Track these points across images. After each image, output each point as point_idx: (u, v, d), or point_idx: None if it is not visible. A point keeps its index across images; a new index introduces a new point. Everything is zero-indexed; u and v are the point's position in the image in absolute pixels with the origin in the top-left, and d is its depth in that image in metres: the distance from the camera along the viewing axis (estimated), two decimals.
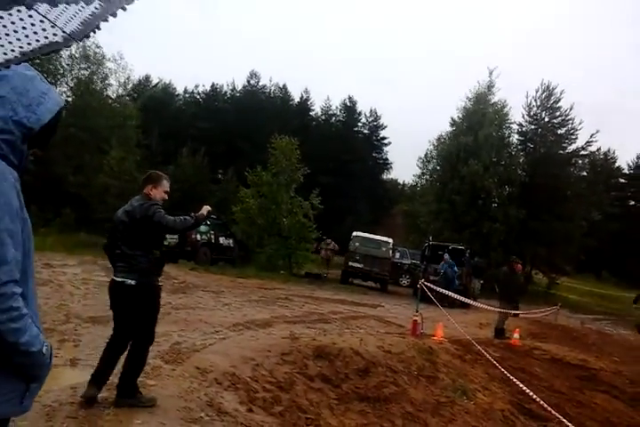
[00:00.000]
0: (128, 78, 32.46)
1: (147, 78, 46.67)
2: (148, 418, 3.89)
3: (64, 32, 0.96)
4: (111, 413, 3.86)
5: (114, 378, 4.24)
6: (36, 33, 0.94)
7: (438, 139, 36.25)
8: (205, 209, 4.14)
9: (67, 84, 29.05)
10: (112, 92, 31.44)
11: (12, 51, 0.94)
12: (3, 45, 0.93)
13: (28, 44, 0.95)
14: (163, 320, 7.00)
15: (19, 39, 0.93)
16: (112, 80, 30.65)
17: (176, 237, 17.19)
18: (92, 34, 1.00)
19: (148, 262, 4.02)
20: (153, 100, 40.55)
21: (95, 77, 29.18)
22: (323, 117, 49.67)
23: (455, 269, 18.14)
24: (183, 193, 27.54)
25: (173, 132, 38.91)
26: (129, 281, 3.98)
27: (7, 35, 0.92)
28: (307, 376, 5.83)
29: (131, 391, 4.06)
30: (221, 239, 19.84)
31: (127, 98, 33.68)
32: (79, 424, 3.56)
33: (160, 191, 4.21)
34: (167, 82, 47.00)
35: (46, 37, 0.96)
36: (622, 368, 10.16)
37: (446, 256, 18.73)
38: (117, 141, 25.78)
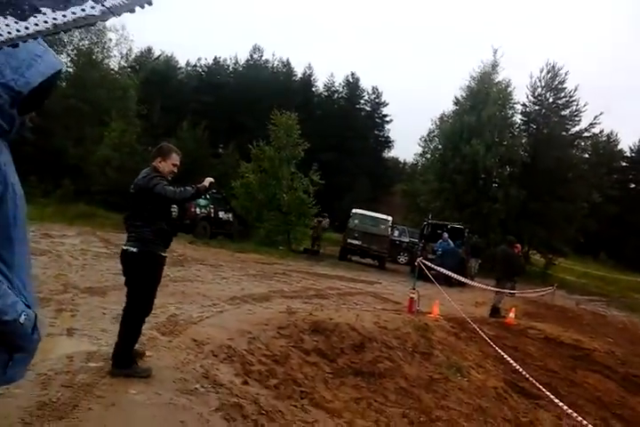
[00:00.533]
0: (130, 50, 32.15)
1: (149, 50, 46.12)
2: (143, 388, 3.92)
3: (103, 5, 0.90)
4: (106, 382, 3.87)
5: (109, 348, 4.26)
6: (71, 3, 0.87)
7: (441, 117, 36.05)
8: (208, 180, 4.13)
9: (67, 54, 28.69)
10: (114, 63, 31.08)
11: (45, 22, 0.87)
12: (36, 16, 0.86)
13: (63, 15, 0.88)
14: (160, 292, 6.95)
15: (53, 10, 0.87)
16: (114, 51, 30.28)
17: (176, 209, 17.18)
18: (136, 9, 0.93)
19: (151, 233, 4.08)
20: (155, 73, 40.14)
21: (96, 48, 28.80)
22: (325, 94, 49.26)
23: (456, 248, 18.18)
24: (184, 167, 27.37)
25: (175, 105, 38.59)
26: (132, 249, 4.10)
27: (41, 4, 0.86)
28: (302, 350, 5.87)
29: (126, 361, 4.08)
30: (221, 213, 19.82)
31: (129, 70, 33.32)
32: (74, 393, 3.57)
33: (168, 164, 4.22)
34: (169, 54, 46.47)
35: (83, 10, 0.89)
36: (615, 349, 10.24)
37: (445, 235, 18.76)
38: (118, 113, 25.54)
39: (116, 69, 31.65)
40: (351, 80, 48.50)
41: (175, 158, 4.27)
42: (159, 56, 46.03)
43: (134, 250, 4.08)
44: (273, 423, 4.09)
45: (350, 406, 5.14)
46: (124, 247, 4.18)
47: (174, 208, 16.89)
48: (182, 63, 47.55)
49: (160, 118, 34.83)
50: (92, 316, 5.64)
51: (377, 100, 49.48)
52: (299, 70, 48.46)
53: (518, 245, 14.51)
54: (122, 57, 31.43)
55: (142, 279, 4.14)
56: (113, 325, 5.01)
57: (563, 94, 32.49)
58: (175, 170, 4.28)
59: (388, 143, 50.32)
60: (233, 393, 4.30)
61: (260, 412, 4.15)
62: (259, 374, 4.98)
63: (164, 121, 35.10)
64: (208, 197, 19.35)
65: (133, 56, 36.72)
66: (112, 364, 4.08)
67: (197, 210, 18.39)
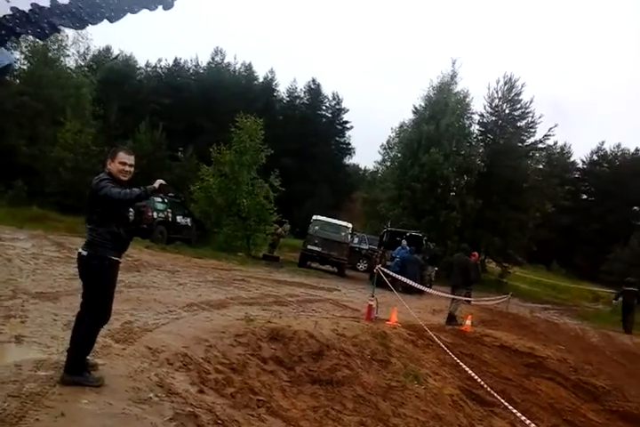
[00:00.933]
0: (87, 49, 31.41)
1: (107, 50, 45.36)
2: (94, 398, 3.79)
3: None
4: (56, 392, 3.73)
5: (60, 356, 4.11)
6: None
7: (400, 126, 36.49)
8: (158, 182, 4.09)
9: (21, 51, 27.87)
10: (70, 62, 30.36)
11: None
12: None
13: None
14: (114, 299, 6.85)
15: None
16: (71, 50, 29.58)
17: (132, 213, 16.81)
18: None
19: (100, 236, 4.02)
20: (113, 73, 39.44)
21: (52, 46, 28.07)
22: (287, 99, 49.30)
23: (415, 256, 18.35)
24: (141, 169, 26.94)
25: (133, 106, 37.99)
26: (83, 252, 4.06)
27: None
28: (260, 358, 5.80)
29: (77, 369, 3.94)
30: (179, 218, 19.54)
31: (86, 69, 32.61)
32: (22, 403, 3.43)
33: (116, 164, 4.12)
34: (128, 54, 45.71)
35: None
36: (567, 356, 10.52)
37: (404, 242, 18.96)
38: (72, 113, 24.91)
39: (72, 68, 30.90)
40: (312, 86, 48.70)
41: (122, 157, 4.13)
42: (118, 56, 45.26)
43: (84, 253, 4.05)
44: None
45: (308, 414, 5.09)
46: (78, 251, 4.15)
47: (130, 212, 16.67)
48: (142, 64, 46.88)
49: (117, 119, 34.17)
50: (42, 322, 5.43)
51: (337, 107, 49.80)
52: (260, 74, 48.40)
53: (476, 253, 14.78)
54: (79, 56, 30.72)
55: (93, 284, 4.06)
56: (64, 331, 4.84)
57: (519, 106, 33.43)
58: (126, 169, 4.14)
59: (348, 150, 50.65)
60: (188, 402, 4.20)
61: (216, 421, 4.07)
62: (215, 383, 4.89)
63: (122, 122, 34.46)
64: (166, 201, 19.07)
65: (91, 55, 35.98)
66: (63, 371, 3.95)
67: (155, 214, 18.07)
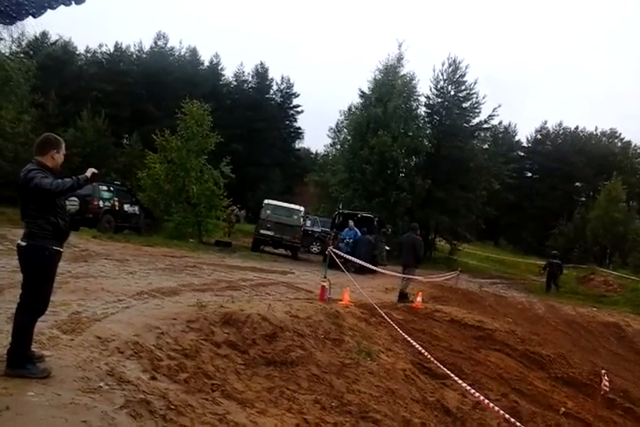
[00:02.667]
0: (22, 33, 29.94)
1: (44, 35, 43.41)
2: (41, 390, 3.71)
3: None
4: (0, 386, 3.64)
5: (3, 350, 4.00)
6: None
7: (349, 109, 36.55)
8: (90, 171, 4.10)
9: None
10: (4, 48, 28.89)
11: None
12: None
13: None
14: (60, 289, 6.69)
15: None
16: (4, 35, 28.14)
17: (76, 203, 16.36)
18: None
19: (39, 227, 3.99)
20: (51, 59, 37.91)
21: None
22: (235, 83, 48.57)
23: (366, 236, 18.56)
24: (83, 158, 26.19)
25: (74, 93, 36.70)
26: (22, 243, 4.02)
27: None
28: (213, 343, 5.78)
29: (21, 362, 3.86)
30: (126, 206, 19.10)
31: (22, 55, 31.18)
32: None
33: (61, 155, 4.21)
34: (67, 40, 43.94)
35: None
36: (515, 328, 10.90)
37: (351, 223, 19.18)
38: (7, 100, 23.85)
39: (7, 54, 29.48)
40: (260, 70, 48.12)
41: (49, 150, 4.15)
42: (56, 41, 43.46)
43: (23, 244, 4.00)
44: (182, 417, 4.00)
45: (263, 395, 5.13)
46: (17, 242, 4.10)
47: (74, 202, 16.22)
48: (82, 49, 45.18)
49: (56, 106, 32.94)
50: None
51: (287, 91, 49.43)
52: (206, 59, 47.47)
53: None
54: (13, 41, 29.28)
55: (32, 274, 4.00)
56: (8, 324, 4.69)
57: (463, 87, 33.99)
58: (54, 159, 4.17)
59: (299, 134, 50.53)
60: (140, 390, 4.16)
61: (169, 407, 4.06)
62: (168, 369, 4.86)
63: (62, 110, 33.27)
64: (112, 189, 18.61)
65: (26, 41, 34.39)
66: (6, 364, 3.85)
67: (101, 203, 17.62)
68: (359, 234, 18.69)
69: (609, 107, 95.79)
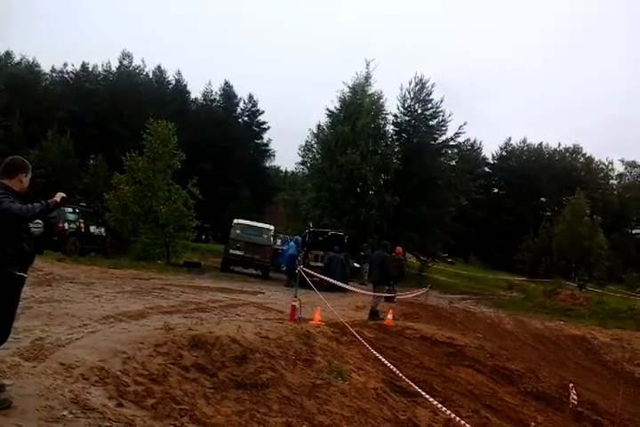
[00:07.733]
0: None
1: (7, 54, 42.92)
2: (2, 421, 3.60)
3: None
4: None
5: None
6: None
7: (318, 127, 36.79)
8: (59, 195, 4.04)
9: None
10: None
11: None
12: None
13: None
14: (23, 315, 6.51)
15: None
16: None
17: (41, 225, 15.99)
18: None
19: (1, 252, 3.86)
20: (15, 79, 37.37)
21: None
22: (202, 102, 48.53)
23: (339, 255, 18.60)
24: (47, 179, 25.76)
25: (39, 113, 36.16)
26: None
27: None
28: (181, 367, 5.68)
29: None
30: (92, 228, 18.80)
31: None
32: None
33: (28, 178, 4.14)
34: (31, 59, 43.43)
35: None
36: (484, 343, 10.99)
37: (292, 241, 19.50)
38: None
39: None
40: (226, 88, 48.20)
41: (17, 174, 4.08)
42: (20, 61, 42.94)
43: None
44: None
45: (232, 419, 5.04)
46: None
47: (39, 224, 15.86)
48: (47, 69, 44.63)
49: (21, 127, 32.44)
50: None
51: (253, 109, 49.51)
52: (172, 78, 47.40)
53: (399, 248, 15.18)
54: None
55: None
56: None
57: (430, 106, 34.62)
58: (21, 183, 4.10)
59: (267, 152, 50.50)
60: (105, 417, 4.07)
61: None
62: (134, 395, 4.75)
63: (27, 130, 32.75)
64: (77, 211, 18.30)
65: None
66: None
67: (66, 225, 17.30)
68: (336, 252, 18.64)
69: (570, 122, 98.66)
